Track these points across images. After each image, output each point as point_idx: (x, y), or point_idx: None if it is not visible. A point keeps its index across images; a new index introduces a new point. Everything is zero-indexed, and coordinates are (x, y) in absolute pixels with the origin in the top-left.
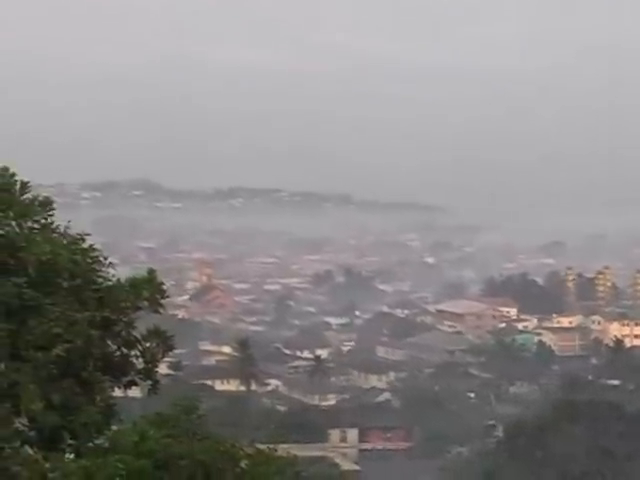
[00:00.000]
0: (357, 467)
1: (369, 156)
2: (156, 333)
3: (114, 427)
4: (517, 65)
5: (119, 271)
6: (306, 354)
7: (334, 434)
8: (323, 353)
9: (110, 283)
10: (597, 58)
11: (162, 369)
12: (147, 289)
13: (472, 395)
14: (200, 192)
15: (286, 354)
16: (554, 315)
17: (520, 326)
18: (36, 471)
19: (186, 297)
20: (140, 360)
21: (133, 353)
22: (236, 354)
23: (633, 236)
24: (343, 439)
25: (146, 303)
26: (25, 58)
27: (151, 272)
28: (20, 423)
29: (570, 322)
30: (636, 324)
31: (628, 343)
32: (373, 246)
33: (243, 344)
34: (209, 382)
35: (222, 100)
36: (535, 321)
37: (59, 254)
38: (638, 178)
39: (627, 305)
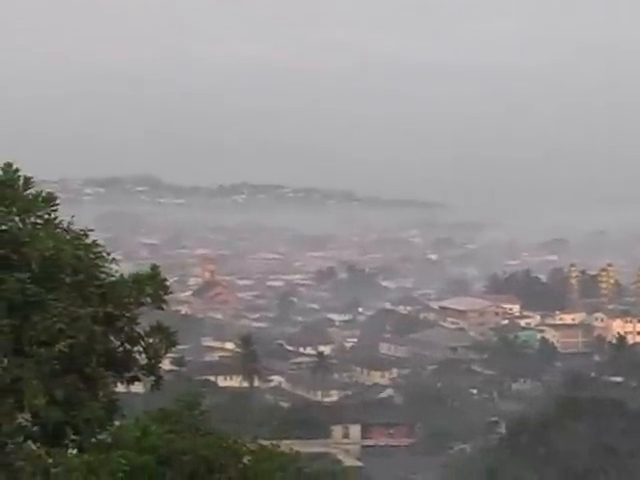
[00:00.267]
0: (360, 463)
1: (370, 153)
2: (159, 329)
3: (117, 423)
4: (517, 62)
5: (122, 267)
6: (309, 350)
7: (337, 430)
8: (326, 349)
9: (113, 279)
10: (596, 56)
11: (165, 365)
12: (150, 285)
13: (475, 392)
14: (203, 188)
15: (289, 350)
16: (557, 312)
17: (523, 323)
18: (39, 466)
19: (189, 293)
20: (143, 356)
21: (136, 349)
22: (239, 350)
23: (636, 233)
24: (346, 435)
25: (149, 299)
26: (26, 55)
27: (154, 268)
28: (23, 418)
29: (573, 319)
30: (639, 321)
31: (631, 340)
32: (376, 243)
33: (246, 340)
34: (212, 378)
35: (224, 96)
36: (538, 318)
37: (62, 250)
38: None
39: (630, 302)
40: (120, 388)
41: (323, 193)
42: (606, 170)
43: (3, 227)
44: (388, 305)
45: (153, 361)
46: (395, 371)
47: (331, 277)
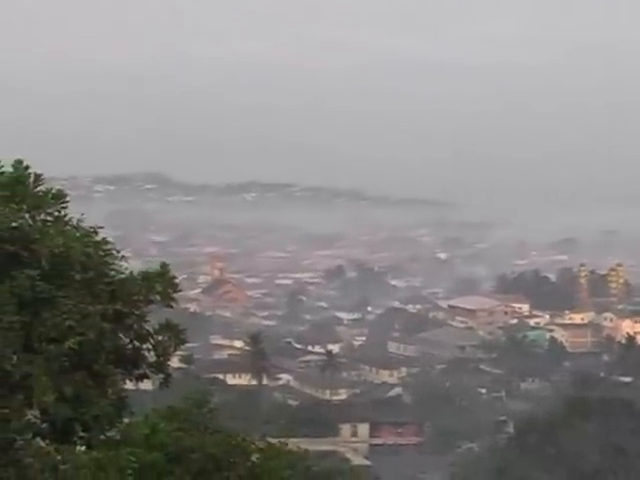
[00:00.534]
0: (368, 462)
1: (370, 150)
2: (168, 327)
3: (126, 420)
4: (516, 62)
5: (131, 264)
6: (317, 349)
7: (345, 429)
8: (334, 348)
9: (122, 276)
10: (595, 55)
11: (174, 362)
12: (160, 283)
13: (483, 391)
14: (212, 186)
15: (297, 349)
16: (566, 312)
17: (532, 322)
18: (48, 463)
19: (198, 291)
20: (152, 353)
21: (145, 346)
22: (248, 348)
23: None
24: (354, 434)
25: (158, 297)
26: (26, 54)
27: (164, 266)
28: (32, 415)
29: (582, 319)
30: None
31: None
32: (385, 242)
33: (255, 338)
34: (220, 376)
35: (224, 94)
36: (547, 317)
37: (72, 247)
38: None
39: (639, 302)
40: (129, 385)
41: (331, 192)
42: (611, 169)
43: (13, 224)
44: (397, 304)
45: (162, 359)
46: (404, 370)
47: (340, 276)
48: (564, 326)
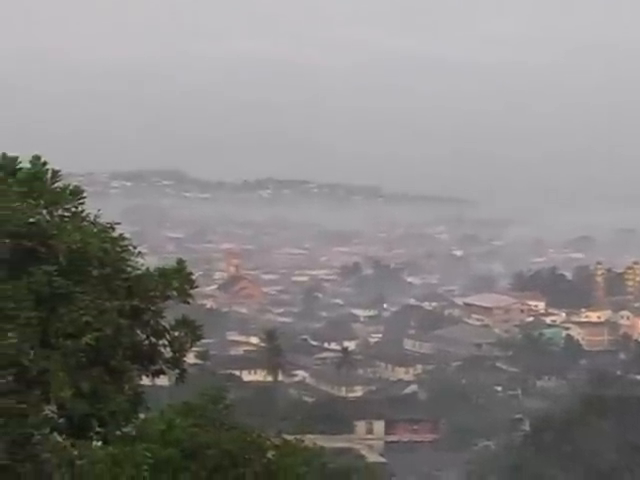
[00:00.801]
0: (383, 459)
1: (370, 147)
2: (184, 323)
3: (142, 415)
4: (516, 61)
5: (148, 260)
6: (333, 346)
7: (360, 426)
8: (350, 345)
9: (139, 272)
10: (595, 55)
11: (190, 358)
12: (176, 279)
13: (499, 389)
14: (229, 183)
15: (313, 345)
16: (582, 310)
17: (548, 320)
18: (64, 458)
19: (214, 287)
20: (168, 349)
21: (161, 342)
22: (263, 345)
23: None
24: (369, 431)
25: (175, 293)
26: (26, 52)
27: (180, 262)
28: (49, 410)
29: (599, 317)
30: None
31: None
32: (401, 238)
33: (271, 335)
34: (236, 372)
35: (224, 92)
36: (563, 315)
37: (89, 242)
38: None
39: None
40: (145, 381)
41: (349, 189)
42: (612, 169)
43: (31, 219)
44: (413, 301)
45: (178, 354)
46: (419, 367)
47: (356, 273)
48: (580, 324)
